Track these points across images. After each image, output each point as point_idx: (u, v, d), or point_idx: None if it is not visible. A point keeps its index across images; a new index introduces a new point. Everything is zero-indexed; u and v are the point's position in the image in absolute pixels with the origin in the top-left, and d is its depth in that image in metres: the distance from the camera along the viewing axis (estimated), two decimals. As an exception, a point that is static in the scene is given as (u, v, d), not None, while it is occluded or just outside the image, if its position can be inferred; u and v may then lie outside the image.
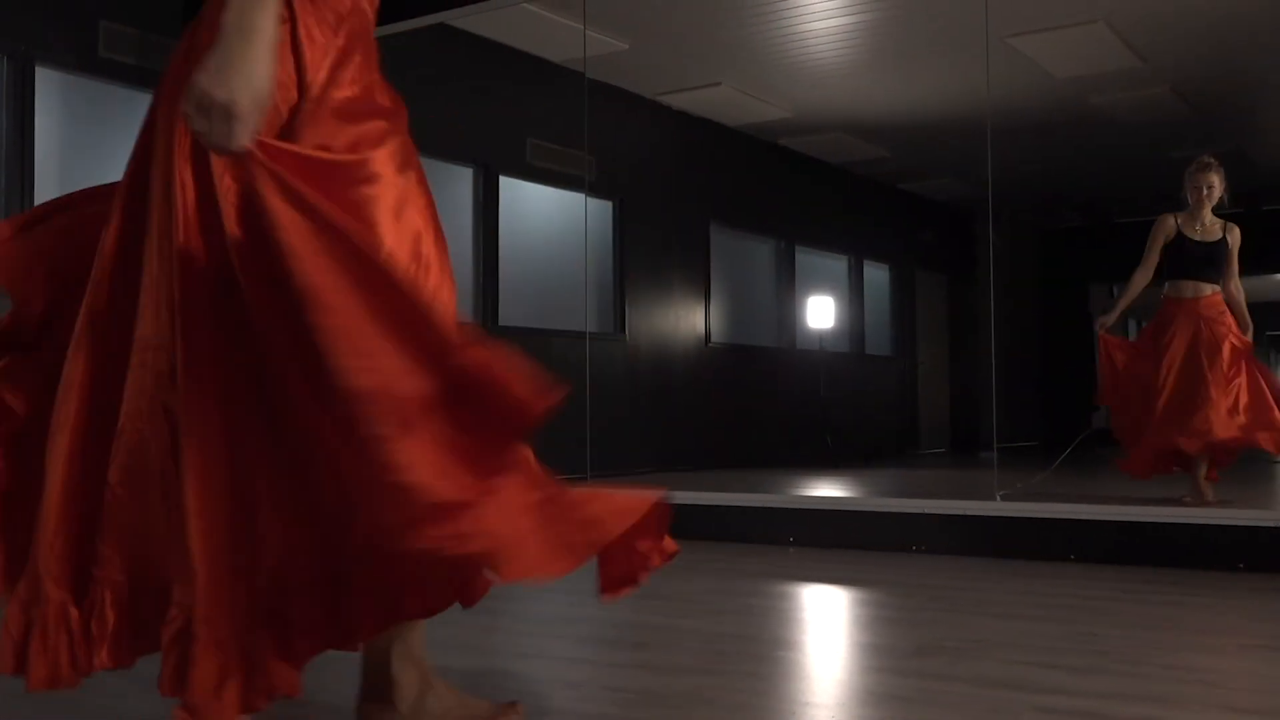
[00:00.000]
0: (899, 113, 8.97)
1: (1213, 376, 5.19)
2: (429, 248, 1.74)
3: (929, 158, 10.54)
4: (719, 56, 7.77)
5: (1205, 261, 5.34)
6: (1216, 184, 5.35)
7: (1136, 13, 6.81)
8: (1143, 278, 5.46)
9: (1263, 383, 5.27)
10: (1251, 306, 5.46)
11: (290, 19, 1.66)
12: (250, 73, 1.50)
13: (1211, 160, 5.39)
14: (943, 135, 9.34)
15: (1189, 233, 5.36)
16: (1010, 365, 11.22)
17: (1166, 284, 5.45)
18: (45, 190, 6.06)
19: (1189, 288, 5.36)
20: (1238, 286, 5.41)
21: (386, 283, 1.51)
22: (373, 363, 1.47)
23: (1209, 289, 5.35)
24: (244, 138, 1.49)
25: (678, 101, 8.69)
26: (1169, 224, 5.39)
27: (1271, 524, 4.22)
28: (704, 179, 9.35)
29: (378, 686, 1.92)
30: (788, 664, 2.75)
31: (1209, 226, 5.37)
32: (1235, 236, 5.41)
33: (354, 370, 1.46)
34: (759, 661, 2.72)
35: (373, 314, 1.49)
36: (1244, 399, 5.21)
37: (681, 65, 7.94)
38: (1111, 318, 5.50)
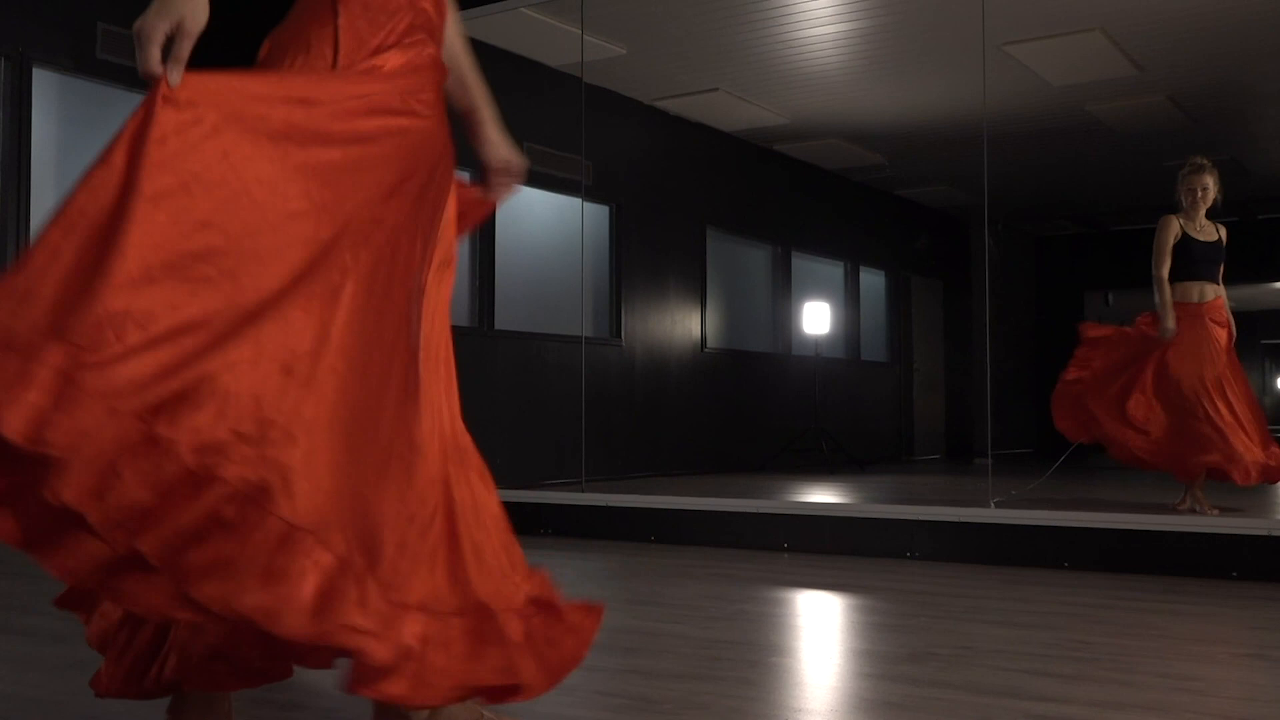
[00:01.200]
0: (896, 119, 8.98)
1: (1247, 398, 5.23)
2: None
3: (925, 164, 10.56)
4: (716, 62, 7.79)
5: (1211, 262, 5.33)
6: (1211, 185, 5.33)
7: (1133, 21, 6.82)
8: (1167, 276, 5.33)
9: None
10: (1248, 314, 5.48)
11: (334, 13, 1.75)
12: (166, 1, 1.55)
13: (1204, 162, 5.37)
14: (939, 142, 9.36)
15: (1194, 234, 5.33)
16: (1005, 372, 11.27)
17: (1172, 287, 5.41)
18: (42, 192, 6.05)
19: (1195, 290, 5.31)
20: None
21: (104, 247, 1.46)
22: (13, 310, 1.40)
23: (1213, 291, 5.33)
24: (152, 63, 1.53)
25: (675, 106, 8.70)
26: (1175, 225, 5.33)
27: (1264, 532, 4.23)
28: (701, 184, 9.36)
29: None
30: (781, 670, 2.76)
31: (1207, 227, 5.37)
32: (1225, 236, 5.42)
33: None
34: (752, 667, 2.72)
35: (69, 272, 1.44)
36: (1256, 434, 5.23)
37: (679, 70, 7.95)
38: (1172, 322, 5.27)
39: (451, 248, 1.92)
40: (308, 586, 1.43)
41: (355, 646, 1.46)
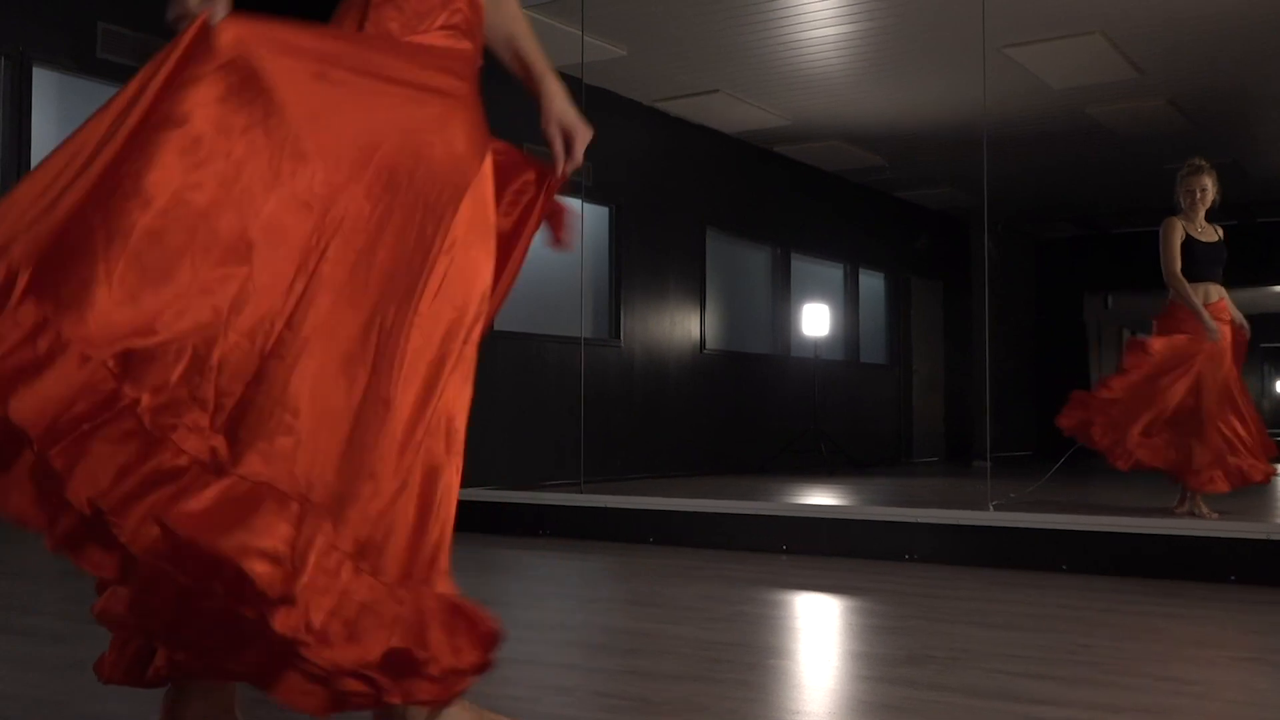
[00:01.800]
0: (896, 121, 8.99)
1: (1244, 404, 5.23)
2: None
3: (925, 166, 10.56)
4: (716, 63, 7.79)
5: (1214, 262, 5.31)
6: (1210, 186, 5.32)
7: (1133, 25, 6.82)
8: (1182, 274, 5.31)
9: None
10: (1247, 318, 5.46)
11: (363, 14, 1.78)
12: None
13: (1203, 163, 5.36)
14: (939, 144, 9.36)
15: (1197, 235, 5.32)
16: (1004, 374, 11.27)
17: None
18: (41, 191, 6.06)
19: (1201, 291, 5.28)
20: None
21: (85, 171, 1.49)
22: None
23: (1217, 292, 5.31)
24: (191, 1, 1.56)
25: (675, 108, 8.70)
26: (1179, 226, 5.30)
27: (1262, 536, 4.23)
28: (700, 186, 9.36)
29: None
30: (779, 672, 2.76)
31: (1207, 229, 5.36)
32: (1224, 237, 5.41)
33: None
34: (751, 669, 2.72)
35: (55, 177, 1.48)
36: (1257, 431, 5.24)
37: (679, 72, 7.95)
38: (1213, 322, 5.20)
39: (485, 224, 1.88)
40: (243, 516, 1.44)
41: (254, 569, 1.42)
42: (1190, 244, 5.28)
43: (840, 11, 6.76)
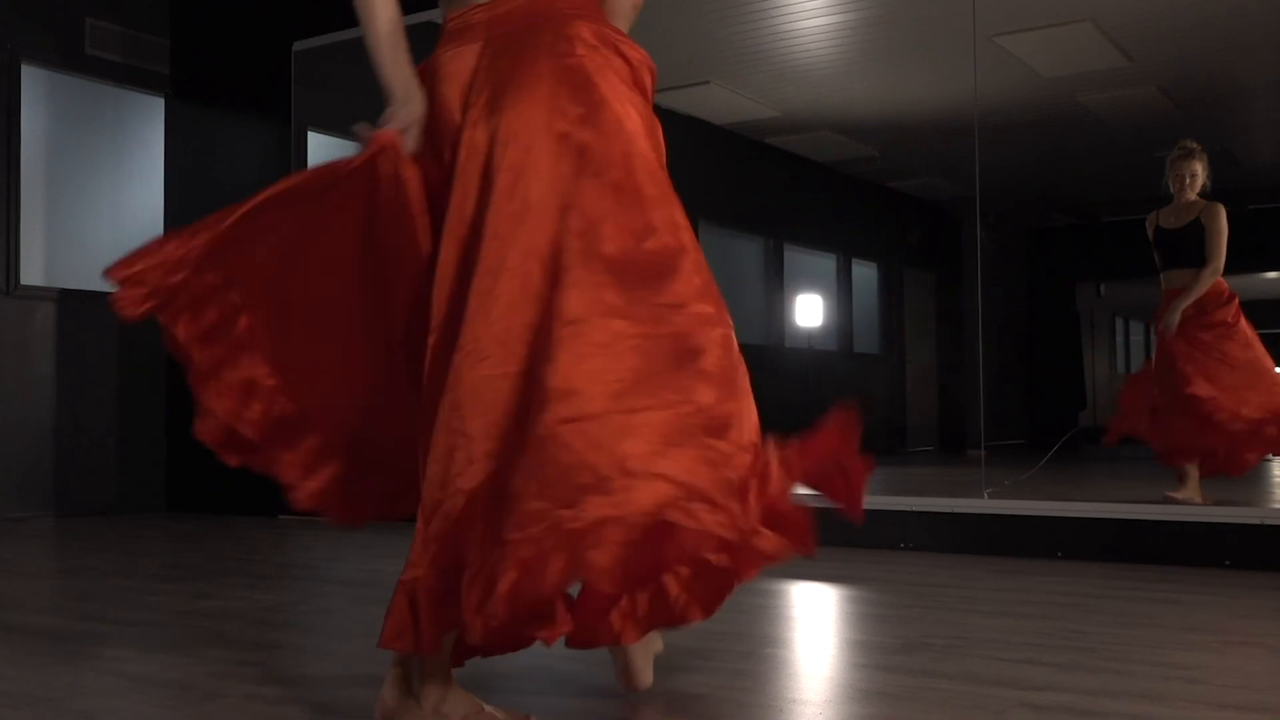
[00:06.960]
0: (887, 111, 8.99)
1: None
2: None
3: (917, 156, 10.56)
4: (707, 55, 7.78)
5: (1176, 249, 5.33)
6: (1200, 171, 5.32)
7: (1124, 12, 6.83)
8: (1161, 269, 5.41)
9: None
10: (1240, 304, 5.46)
11: None
12: None
13: (1194, 147, 5.35)
14: (930, 134, 9.36)
15: (1165, 224, 5.38)
16: (998, 364, 11.27)
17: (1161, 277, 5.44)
18: (31, 187, 6.04)
19: (1174, 278, 5.34)
20: (1213, 270, 5.23)
21: None
22: None
23: (1174, 279, 5.32)
24: None
25: (665, 100, 8.65)
26: (1151, 221, 5.44)
27: (1258, 521, 4.24)
28: (692, 178, 9.29)
29: (402, 681, 1.96)
30: (776, 661, 2.76)
31: (1183, 212, 5.36)
32: (1210, 215, 5.28)
33: None
34: (747, 659, 2.73)
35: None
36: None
37: (669, 64, 7.94)
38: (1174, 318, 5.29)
39: None
40: None
41: None
42: (1158, 235, 5.36)
43: (830, 2, 6.76)
